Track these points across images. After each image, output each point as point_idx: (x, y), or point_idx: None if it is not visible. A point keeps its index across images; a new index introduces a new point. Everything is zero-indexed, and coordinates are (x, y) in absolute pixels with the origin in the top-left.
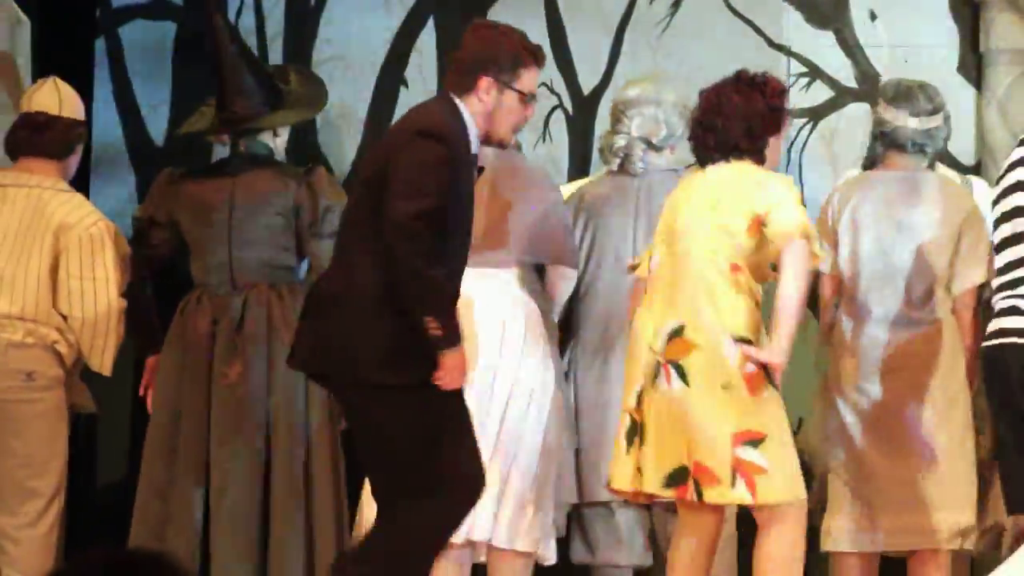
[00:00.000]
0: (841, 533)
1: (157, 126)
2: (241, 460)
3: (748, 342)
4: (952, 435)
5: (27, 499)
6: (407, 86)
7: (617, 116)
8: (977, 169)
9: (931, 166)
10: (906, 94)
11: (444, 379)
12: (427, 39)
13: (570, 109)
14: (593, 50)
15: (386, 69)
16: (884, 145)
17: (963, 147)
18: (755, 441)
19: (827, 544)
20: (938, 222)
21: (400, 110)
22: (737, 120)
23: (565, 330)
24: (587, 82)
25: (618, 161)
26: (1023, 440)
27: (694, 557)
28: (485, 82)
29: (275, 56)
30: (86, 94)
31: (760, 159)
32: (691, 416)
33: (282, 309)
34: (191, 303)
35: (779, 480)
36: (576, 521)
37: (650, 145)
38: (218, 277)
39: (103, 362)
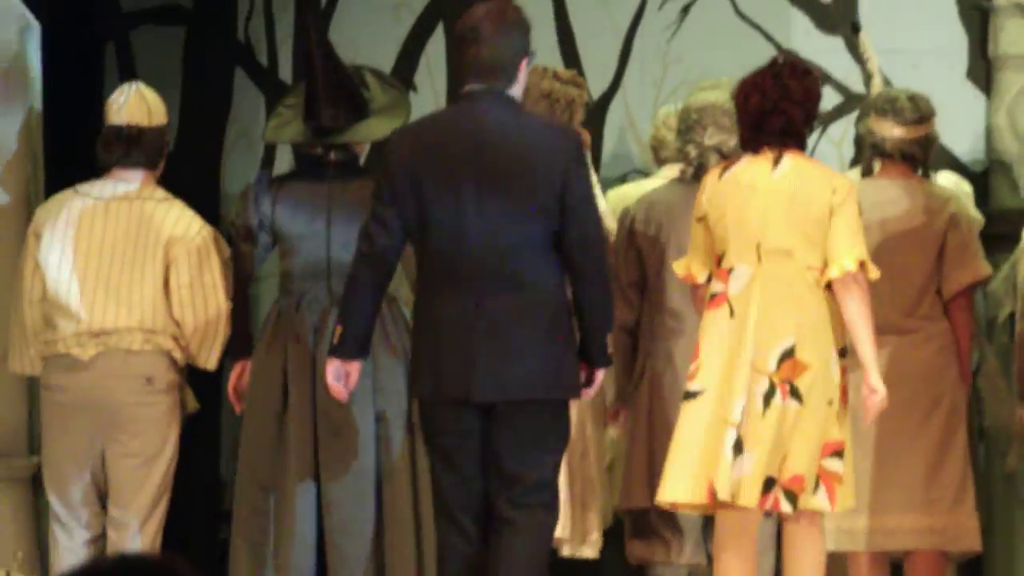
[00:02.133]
0: (835, 533)
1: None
2: (355, 466)
3: (844, 352)
4: (943, 438)
5: (139, 493)
6: (416, 90)
7: (689, 123)
8: (986, 175)
9: (924, 173)
10: (893, 104)
11: (590, 394)
12: (436, 44)
13: None
14: (602, 56)
15: (395, 74)
16: (875, 154)
17: (972, 153)
18: (839, 452)
19: (833, 544)
20: (924, 229)
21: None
22: (799, 105)
23: (635, 339)
24: (596, 87)
25: (691, 170)
26: None
27: (748, 562)
28: (523, 64)
29: (284, 60)
30: (96, 98)
31: (804, 145)
32: (800, 432)
33: (380, 317)
34: (290, 308)
35: (850, 489)
36: (635, 521)
37: (721, 155)
38: (315, 283)
39: (210, 359)
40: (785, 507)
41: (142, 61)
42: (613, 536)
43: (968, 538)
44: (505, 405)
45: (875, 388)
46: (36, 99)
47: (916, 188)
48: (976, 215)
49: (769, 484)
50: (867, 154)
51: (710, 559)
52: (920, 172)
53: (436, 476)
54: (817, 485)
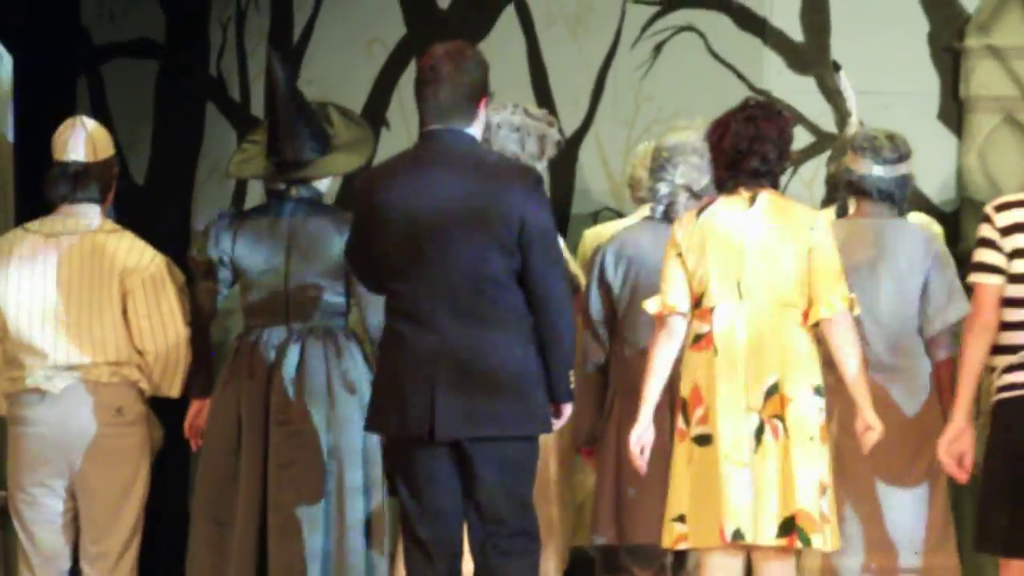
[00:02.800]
0: (820, 573)
1: (138, 165)
2: (303, 498)
3: (820, 391)
4: (929, 478)
5: (114, 527)
6: (389, 127)
7: (660, 162)
8: (957, 216)
9: (901, 212)
10: (872, 143)
11: (556, 426)
12: (408, 80)
13: None
14: (575, 94)
15: (368, 110)
16: (852, 193)
17: (943, 194)
18: (825, 490)
19: None
20: (905, 268)
21: (383, 150)
22: (772, 145)
23: (606, 376)
24: (568, 125)
25: (661, 208)
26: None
27: None
28: (482, 103)
29: (256, 96)
30: None
31: (778, 184)
32: (793, 467)
33: (337, 350)
34: (246, 345)
35: (836, 528)
36: (604, 558)
37: (692, 193)
38: (272, 318)
39: (173, 387)
40: (798, 545)
41: (114, 95)
42: (583, 573)
43: None
44: (475, 442)
45: (871, 424)
46: (7, 131)
47: (897, 228)
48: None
49: (790, 522)
50: (843, 193)
51: None
52: (897, 212)
53: (407, 513)
54: (818, 523)
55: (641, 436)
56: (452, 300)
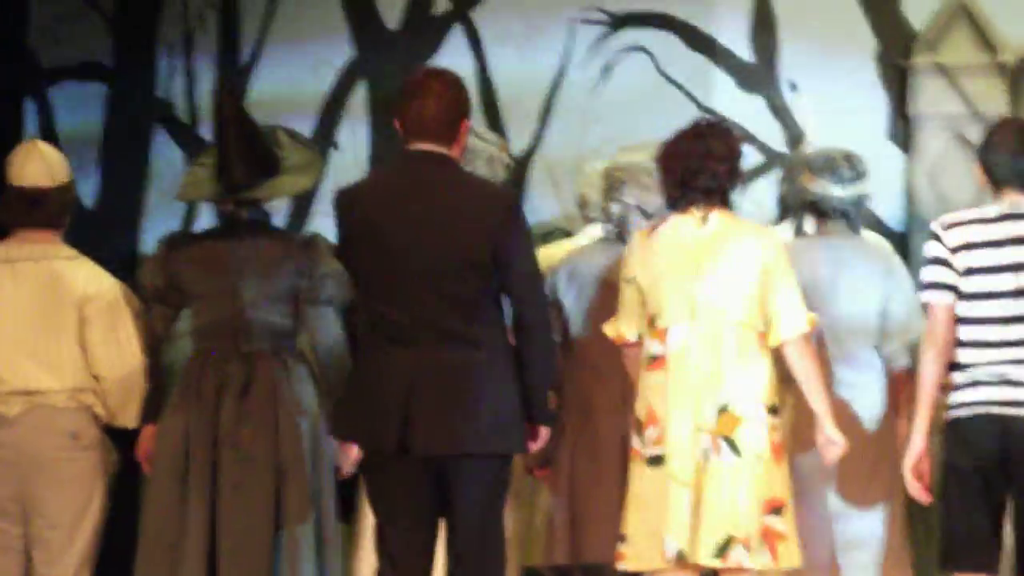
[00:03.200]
0: None
1: (87, 188)
2: (253, 520)
3: (774, 410)
4: (880, 498)
5: (66, 554)
6: (337, 147)
7: (612, 183)
8: (906, 234)
9: (856, 231)
10: (830, 164)
11: (533, 448)
12: (357, 101)
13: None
14: (524, 113)
15: (317, 130)
16: (810, 212)
17: (892, 212)
18: (778, 508)
19: None
20: (864, 286)
21: (332, 171)
22: (723, 163)
23: (559, 396)
24: (518, 145)
25: (613, 228)
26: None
27: None
28: (464, 126)
29: (205, 119)
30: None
31: (729, 203)
32: (741, 487)
33: (287, 373)
34: (195, 368)
35: (794, 546)
36: None
37: (644, 213)
38: (221, 341)
39: (128, 416)
40: (746, 563)
41: (62, 117)
42: None
43: None
44: (452, 460)
45: (833, 439)
46: None
47: (855, 245)
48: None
49: (729, 542)
50: (799, 212)
51: None
52: (854, 230)
53: (379, 527)
54: (761, 543)
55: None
56: (431, 318)
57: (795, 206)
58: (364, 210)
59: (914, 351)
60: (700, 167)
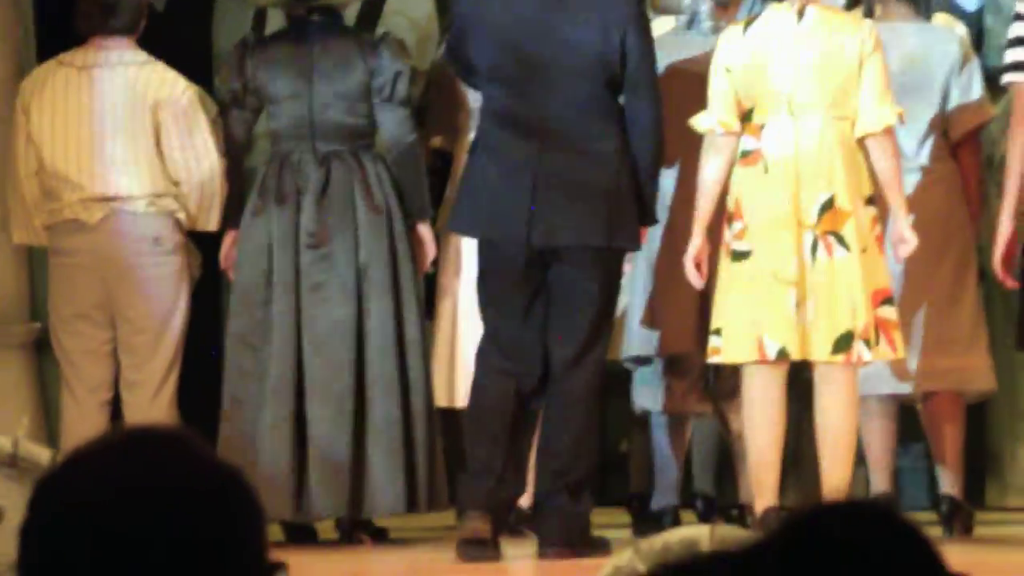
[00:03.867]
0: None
1: None
2: (335, 318)
3: (872, 199)
4: (954, 280)
5: (154, 355)
6: None
7: None
8: (980, 15)
9: (926, 15)
10: None
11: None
12: None
13: None
14: None
15: None
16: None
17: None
18: (889, 299)
19: None
20: (929, 71)
21: None
22: None
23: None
24: None
25: (685, 18)
26: None
27: (781, 414)
28: None
29: None
30: None
31: None
32: (854, 281)
33: (363, 174)
34: (273, 170)
35: (900, 335)
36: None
37: (717, 2)
38: (299, 144)
39: (210, 220)
40: (866, 356)
41: None
42: (619, 386)
43: (983, 378)
44: (567, 250)
45: (906, 237)
46: None
47: (923, 29)
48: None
49: (848, 337)
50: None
51: (716, 408)
52: (923, 13)
53: (488, 318)
54: (877, 334)
55: (696, 252)
56: (555, 113)
57: None
58: (490, 5)
59: (980, 135)
60: None
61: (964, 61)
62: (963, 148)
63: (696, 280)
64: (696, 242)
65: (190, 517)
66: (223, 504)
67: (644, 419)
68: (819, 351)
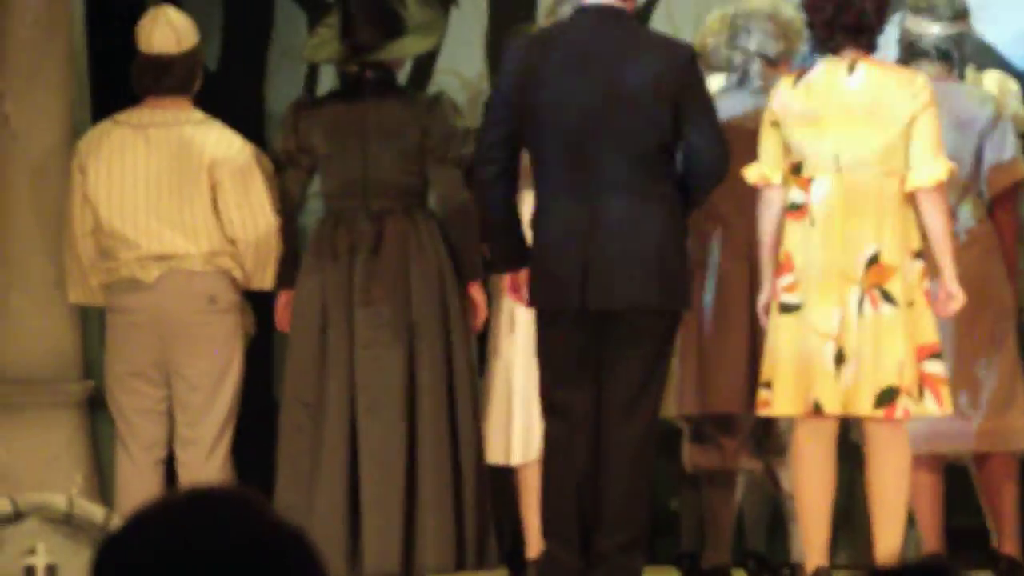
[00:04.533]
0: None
1: (210, 51)
2: (387, 377)
3: (920, 254)
4: (991, 340)
5: (209, 413)
6: (458, 5)
7: (735, 30)
8: None
9: (961, 73)
10: (928, 2)
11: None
12: None
13: None
14: None
15: None
16: (910, 55)
17: (1018, 51)
18: (937, 354)
19: None
20: (960, 130)
21: (453, 28)
22: (871, 6)
23: None
24: None
25: (736, 77)
26: None
27: (829, 471)
28: None
29: None
30: (139, 20)
31: (876, 44)
32: (898, 336)
33: (416, 233)
34: (326, 228)
35: (948, 392)
36: (692, 429)
37: (767, 60)
38: (352, 202)
39: (265, 278)
40: (913, 411)
41: None
42: (669, 444)
43: (1018, 438)
44: (630, 314)
45: (954, 294)
46: (78, 23)
47: (953, 89)
48: (1022, 113)
49: (891, 392)
50: (903, 55)
51: (766, 466)
52: (956, 72)
53: (548, 387)
54: (921, 390)
55: (767, 301)
56: (607, 173)
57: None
58: (541, 63)
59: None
60: (847, 2)
61: (997, 120)
62: (999, 208)
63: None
64: (764, 293)
65: None
66: (288, 565)
67: (694, 477)
68: (862, 406)
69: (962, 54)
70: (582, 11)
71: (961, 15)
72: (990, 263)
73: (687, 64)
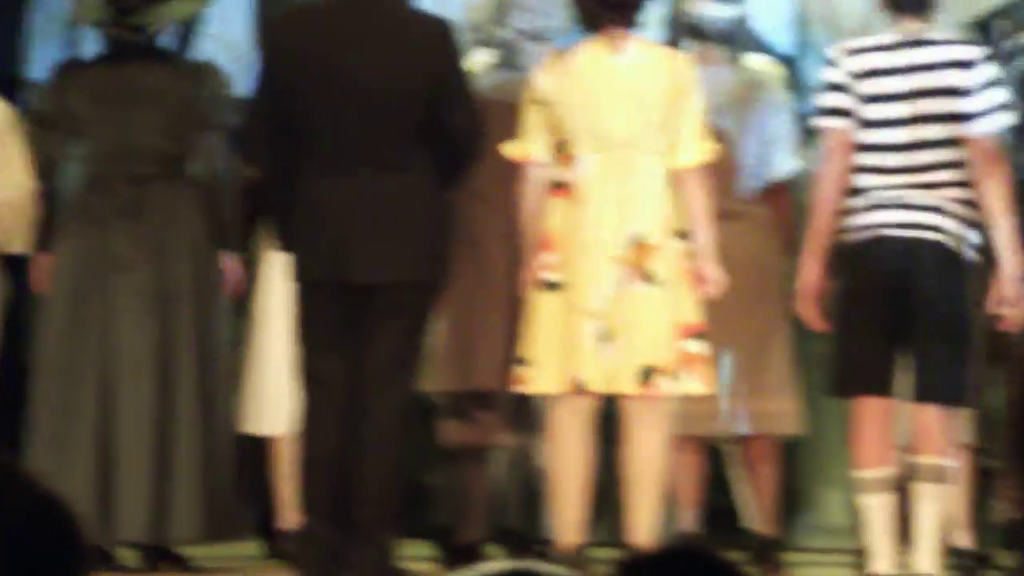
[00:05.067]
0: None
1: None
2: (142, 343)
3: (684, 234)
4: (769, 325)
5: None
6: None
7: (500, 7)
8: (796, 59)
9: (738, 56)
10: None
11: None
12: None
13: None
14: None
15: None
16: (691, 36)
17: (783, 36)
18: (699, 333)
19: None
20: (746, 112)
21: None
22: None
23: None
24: None
25: (504, 54)
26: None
27: (589, 446)
28: None
29: None
30: None
31: (637, 24)
32: (659, 314)
33: (176, 200)
34: (86, 193)
35: (709, 371)
36: (449, 404)
37: (535, 38)
38: (113, 167)
39: (19, 242)
40: (669, 390)
41: None
42: (426, 418)
43: (791, 422)
44: (389, 288)
45: (714, 276)
46: None
47: (738, 72)
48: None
49: (650, 370)
50: (676, 35)
51: (523, 442)
52: (735, 55)
53: (308, 356)
54: (682, 369)
55: (527, 279)
56: (367, 146)
57: (676, 30)
58: (299, 38)
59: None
60: None
61: (771, 106)
62: (774, 191)
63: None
64: (528, 266)
65: (14, 545)
66: (43, 529)
67: (450, 452)
68: (623, 384)
69: (742, 38)
70: None
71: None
72: (767, 245)
73: (444, 42)
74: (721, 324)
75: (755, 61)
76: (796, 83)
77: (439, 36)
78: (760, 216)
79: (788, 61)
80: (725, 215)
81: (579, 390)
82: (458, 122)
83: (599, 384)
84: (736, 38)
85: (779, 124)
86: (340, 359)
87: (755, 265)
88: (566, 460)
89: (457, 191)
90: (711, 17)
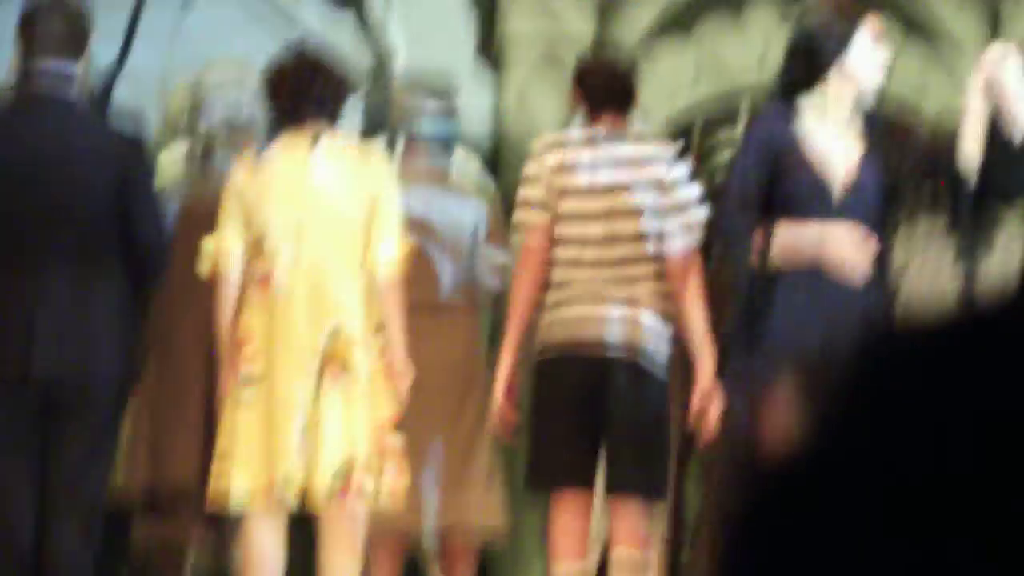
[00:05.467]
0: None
1: None
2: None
3: (379, 329)
4: (475, 424)
5: None
6: None
7: (198, 99)
8: (495, 155)
9: (451, 151)
10: (424, 82)
11: None
12: None
13: None
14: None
15: None
16: (407, 132)
17: (481, 130)
18: (396, 426)
19: None
20: (459, 213)
21: None
22: (333, 77)
23: None
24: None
25: (200, 146)
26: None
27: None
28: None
29: None
30: None
31: (336, 120)
32: (356, 408)
33: None
34: None
35: (403, 469)
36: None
37: (233, 128)
38: None
39: None
40: (368, 485)
41: None
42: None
43: (494, 517)
44: (74, 386)
45: (401, 371)
46: None
47: (448, 171)
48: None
49: (348, 467)
50: (399, 134)
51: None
52: (449, 151)
53: None
54: (380, 464)
55: (226, 378)
56: (54, 248)
57: (389, 123)
58: None
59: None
60: (312, 79)
61: (494, 204)
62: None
63: None
64: (227, 365)
65: None
66: None
67: (145, 552)
68: (319, 482)
69: (456, 132)
70: (26, 97)
71: (454, 95)
72: (474, 339)
73: (130, 151)
74: (426, 417)
75: (459, 155)
76: (493, 176)
77: (126, 146)
78: (467, 309)
79: (486, 155)
80: (432, 309)
81: (275, 488)
82: (144, 234)
83: (294, 483)
84: (451, 134)
85: (496, 221)
86: (23, 467)
87: (463, 358)
88: (260, 567)
89: (148, 293)
90: (428, 116)
